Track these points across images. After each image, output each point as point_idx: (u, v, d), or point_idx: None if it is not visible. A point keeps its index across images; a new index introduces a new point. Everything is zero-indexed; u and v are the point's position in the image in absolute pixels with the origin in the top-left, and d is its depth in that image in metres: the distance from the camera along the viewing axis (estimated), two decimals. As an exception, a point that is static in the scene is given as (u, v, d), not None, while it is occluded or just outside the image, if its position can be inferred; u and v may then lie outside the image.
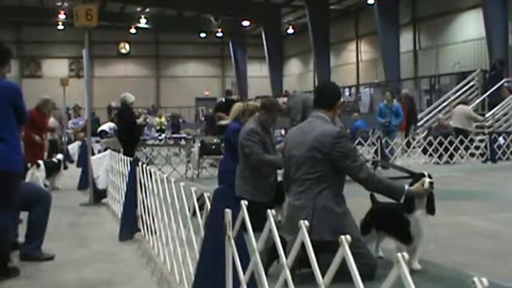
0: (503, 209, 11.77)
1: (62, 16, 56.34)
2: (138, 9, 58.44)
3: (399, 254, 2.48)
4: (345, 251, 2.83)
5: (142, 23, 60.81)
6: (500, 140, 22.70)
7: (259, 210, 4.79)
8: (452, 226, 9.95)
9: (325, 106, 5.88)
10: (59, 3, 54.78)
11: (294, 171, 5.80)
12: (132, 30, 63.53)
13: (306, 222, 3.26)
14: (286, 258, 3.46)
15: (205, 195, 5.14)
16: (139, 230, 8.98)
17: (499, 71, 28.11)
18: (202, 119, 39.95)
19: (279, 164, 8.45)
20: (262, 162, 8.68)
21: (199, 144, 19.05)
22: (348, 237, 2.83)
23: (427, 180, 6.49)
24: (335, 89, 6.18)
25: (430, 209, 6.66)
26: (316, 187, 5.59)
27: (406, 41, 46.29)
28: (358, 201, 7.01)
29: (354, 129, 24.51)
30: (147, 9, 58.43)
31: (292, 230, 5.42)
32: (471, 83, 28.75)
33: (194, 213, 5.67)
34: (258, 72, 65.57)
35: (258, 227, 4.01)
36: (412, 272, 6.70)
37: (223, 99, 24.13)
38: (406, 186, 6.10)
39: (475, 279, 2.24)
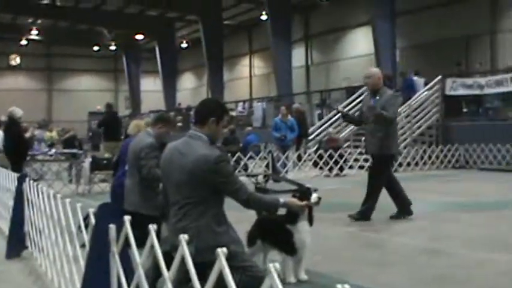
0: (388, 219, 12.07)
1: None
2: (30, 20, 57.14)
3: (271, 265, 2.58)
4: (222, 264, 2.91)
5: (34, 34, 59.55)
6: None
7: (148, 224, 4.82)
8: (341, 237, 10.22)
9: (198, 123, 5.88)
10: None
11: (174, 193, 5.77)
12: (23, 42, 62.18)
13: (186, 236, 3.34)
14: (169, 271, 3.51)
15: (90, 211, 5.12)
16: (27, 248, 8.83)
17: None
18: (90, 134, 39.44)
19: None
20: (156, 177, 8.62)
21: (90, 160, 18.84)
22: (225, 249, 2.92)
23: (315, 195, 6.68)
24: (210, 104, 6.13)
25: (309, 220, 6.85)
26: (197, 209, 5.58)
27: (298, 56, 46.98)
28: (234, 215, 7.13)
29: (246, 143, 24.67)
30: (39, 21, 57.22)
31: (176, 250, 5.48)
32: (361, 98, 29.35)
33: (81, 229, 5.65)
34: (151, 87, 65.22)
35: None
36: (299, 282, 6.93)
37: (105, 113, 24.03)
38: (281, 199, 6.21)
39: (338, 285, 2.38)
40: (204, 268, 4.06)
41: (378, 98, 11.66)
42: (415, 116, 26.04)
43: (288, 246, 6.80)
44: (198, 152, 5.64)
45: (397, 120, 12.31)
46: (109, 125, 22.83)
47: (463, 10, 34.35)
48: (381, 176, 11.76)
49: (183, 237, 3.30)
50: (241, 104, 43.19)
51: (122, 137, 21.46)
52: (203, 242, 5.45)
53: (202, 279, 3.26)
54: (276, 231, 6.94)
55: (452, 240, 9.84)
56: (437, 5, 35.84)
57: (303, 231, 6.76)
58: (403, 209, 11.86)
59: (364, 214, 11.69)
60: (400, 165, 23.58)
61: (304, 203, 6.57)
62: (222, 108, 6.06)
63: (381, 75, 12.06)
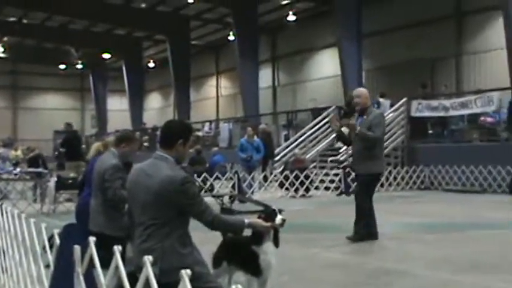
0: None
1: None
2: (-4, 37, 56.84)
3: (234, 287, 2.59)
4: (185, 285, 2.92)
5: (0, 52, 59.11)
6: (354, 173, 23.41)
7: (114, 245, 4.79)
8: (306, 258, 10.24)
9: (165, 145, 5.87)
10: None
11: (139, 214, 5.75)
12: (-12, 60, 61.68)
13: (150, 258, 3.34)
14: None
15: (55, 231, 5.09)
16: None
17: (352, 108, 28.94)
18: (56, 153, 39.13)
19: None
20: (121, 198, 8.53)
21: (55, 179, 18.72)
22: (189, 271, 2.92)
23: (280, 217, 6.69)
24: (177, 126, 6.11)
25: (275, 242, 6.85)
26: (163, 230, 5.56)
27: (265, 77, 47.15)
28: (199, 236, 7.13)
29: (212, 164, 24.67)
30: (5, 38, 56.77)
31: (140, 271, 5.47)
32: (327, 119, 29.53)
33: (46, 249, 5.61)
34: (118, 106, 65.01)
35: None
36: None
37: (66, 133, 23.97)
38: (246, 220, 6.22)
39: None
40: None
41: (365, 117, 11.81)
42: (381, 138, 26.16)
43: (254, 268, 6.78)
44: (164, 173, 5.63)
45: (382, 139, 12.41)
46: (70, 145, 22.76)
47: (428, 32, 34.72)
48: (367, 195, 11.92)
49: (148, 259, 3.30)
50: (207, 124, 43.20)
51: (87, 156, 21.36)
52: (167, 263, 5.44)
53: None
54: (241, 252, 6.94)
55: (417, 261, 9.91)
56: (404, 27, 36.19)
57: (268, 252, 6.76)
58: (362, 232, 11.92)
59: (360, 234, 11.76)
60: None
61: (269, 224, 6.58)
62: (188, 130, 6.04)
63: (368, 94, 12.26)
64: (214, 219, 5.74)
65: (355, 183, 12.36)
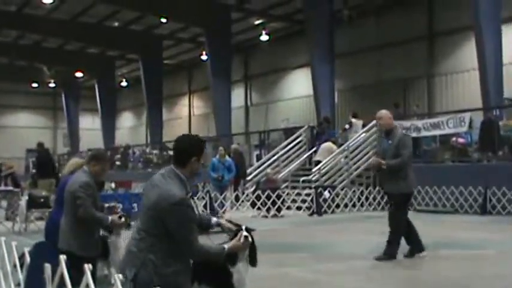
0: (325, 259, 12.24)
1: None
2: (-33, 55, 56.38)
3: None
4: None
5: (-30, 69, 58.74)
6: (326, 193, 23.45)
7: (82, 264, 4.72)
8: (277, 277, 10.18)
9: (178, 163, 5.80)
10: None
11: (140, 218, 5.77)
12: (-39, 77, 61.14)
13: (121, 276, 3.28)
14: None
15: (25, 250, 5.03)
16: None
17: (323, 129, 29.12)
18: (33, 171, 38.91)
19: (106, 223, 8.43)
20: (92, 217, 8.44)
21: (27, 198, 18.54)
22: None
23: (243, 233, 6.60)
24: (189, 144, 5.96)
25: (252, 261, 6.75)
26: (150, 240, 5.55)
27: (238, 96, 47.28)
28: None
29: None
30: (-23, 56, 56.45)
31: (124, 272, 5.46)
32: (299, 139, 29.57)
33: (16, 268, 5.54)
34: (90, 125, 64.83)
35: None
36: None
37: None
38: (226, 246, 6.17)
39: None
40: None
41: (390, 141, 11.95)
42: (353, 158, 26.26)
43: (226, 287, 6.69)
44: (165, 188, 5.61)
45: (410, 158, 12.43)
46: (42, 163, 22.67)
47: (401, 53, 35.03)
48: (404, 213, 12.11)
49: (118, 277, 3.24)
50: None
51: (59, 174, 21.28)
52: (144, 276, 5.42)
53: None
54: (213, 271, 6.84)
55: (385, 282, 9.88)
56: (376, 48, 36.48)
57: (242, 271, 6.67)
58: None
59: (391, 253, 11.85)
60: (338, 206, 23.73)
61: (243, 242, 6.51)
62: (201, 145, 5.98)
63: (391, 115, 12.27)
64: (199, 251, 5.70)
65: (388, 204, 12.42)
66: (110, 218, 8.56)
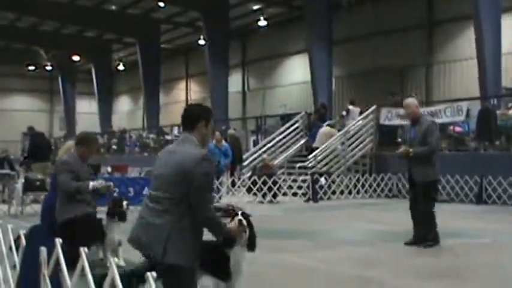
0: (323, 246, 12.24)
1: None
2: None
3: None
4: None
5: (-34, 53, 58.50)
6: (322, 180, 23.46)
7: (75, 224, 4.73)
8: (274, 263, 10.17)
9: (186, 127, 5.84)
10: None
11: (155, 189, 5.72)
12: (-44, 60, 60.91)
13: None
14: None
15: (21, 232, 5.00)
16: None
17: (321, 115, 29.12)
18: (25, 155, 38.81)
19: (84, 189, 8.86)
20: (69, 188, 8.86)
21: (23, 180, 18.53)
22: (154, 274, 2.84)
23: (237, 218, 6.57)
24: (196, 109, 6.07)
25: (251, 246, 6.70)
26: (176, 210, 5.53)
27: (235, 81, 47.17)
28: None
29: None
30: (-27, 39, 56.24)
31: (142, 246, 5.49)
32: (296, 125, 29.52)
33: (12, 250, 5.54)
34: (87, 108, 64.70)
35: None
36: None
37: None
38: (228, 226, 6.18)
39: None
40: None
41: (417, 128, 11.94)
42: (349, 145, 26.26)
43: (223, 272, 6.64)
44: (186, 150, 5.65)
45: (438, 146, 12.46)
46: (36, 147, 22.59)
47: (399, 41, 34.91)
48: (432, 200, 12.13)
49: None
50: (176, 128, 43.05)
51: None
52: (176, 245, 5.43)
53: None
54: (210, 255, 6.79)
55: (383, 268, 9.88)
56: (374, 35, 36.34)
57: (239, 256, 6.64)
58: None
59: (433, 238, 11.99)
60: (334, 193, 23.75)
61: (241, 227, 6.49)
62: (207, 111, 6.05)
63: (417, 103, 12.29)
64: (210, 210, 5.68)
65: (413, 191, 12.41)
66: (90, 184, 8.96)
